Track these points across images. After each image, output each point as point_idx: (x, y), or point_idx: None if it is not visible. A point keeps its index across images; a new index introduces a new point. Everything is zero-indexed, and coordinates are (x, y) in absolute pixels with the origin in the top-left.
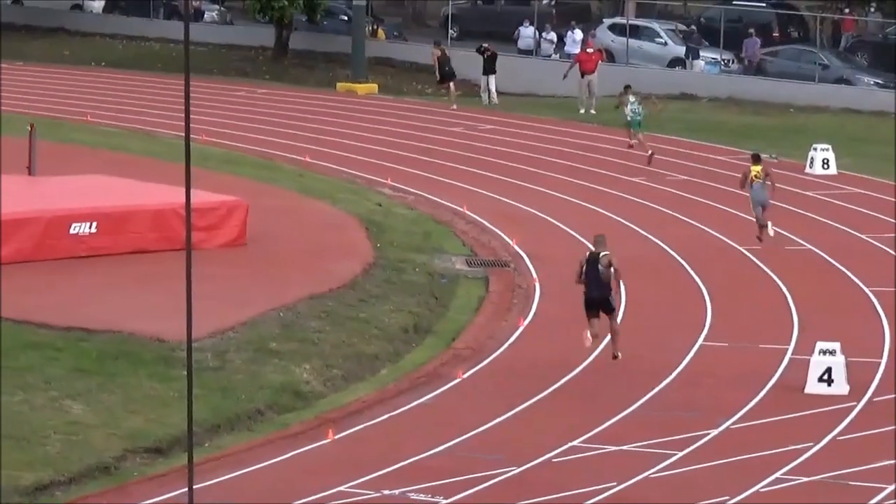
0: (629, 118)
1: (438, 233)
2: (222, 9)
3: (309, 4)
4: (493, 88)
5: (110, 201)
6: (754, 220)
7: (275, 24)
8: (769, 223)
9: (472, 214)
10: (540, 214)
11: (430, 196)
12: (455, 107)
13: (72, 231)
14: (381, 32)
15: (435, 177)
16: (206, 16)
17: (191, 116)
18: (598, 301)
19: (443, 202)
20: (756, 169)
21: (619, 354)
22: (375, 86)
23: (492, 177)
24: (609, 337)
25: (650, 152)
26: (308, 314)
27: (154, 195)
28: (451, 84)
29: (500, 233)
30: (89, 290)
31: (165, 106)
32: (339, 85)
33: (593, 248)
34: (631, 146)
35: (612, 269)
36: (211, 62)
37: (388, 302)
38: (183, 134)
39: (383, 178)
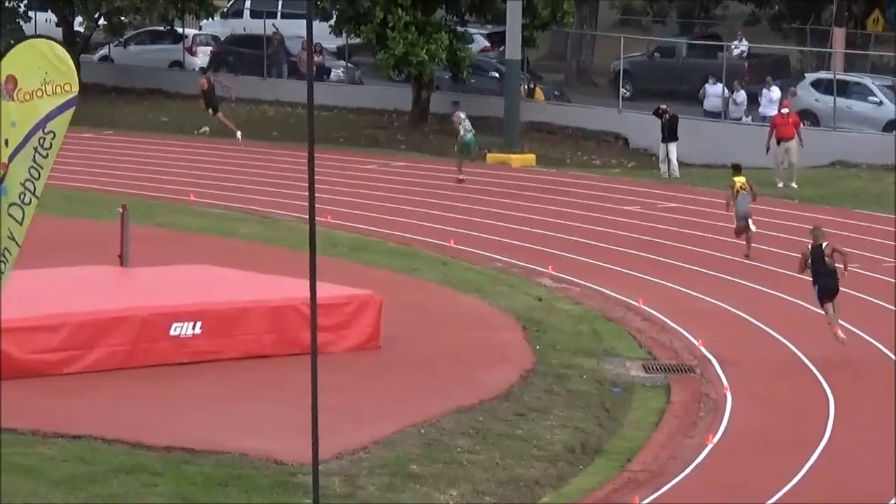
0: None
1: (609, 332)
2: (350, 66)
3: (452, 59)
4: (673, 158)
5: (217, 297)
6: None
7: (412, 83)
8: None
9: (649, 309)
10: (732, 309)
11: (599, 288)
12: (240, 138)
13: (172, 332)
14: (538, 92)
15: (605, 265)
16: (331, 74)
17: (315, 194)
18: (832, 289)
19: (614, 295)
20: (741, 180)
21: (842, 335)
22: (533, 156)
23: (673, 264)
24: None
25: (461, 178)
26: (454, 431)
27: (270, 289)
28: (220, 115)
29: (683, 331)
30: (193, 402)
31: (283, 182)
32: (489, 156)
33: (812, 242)
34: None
35: (836, 256)
36: (337, 129)
37: (550, 416)
38: (306, 216)
39: (543, 267)
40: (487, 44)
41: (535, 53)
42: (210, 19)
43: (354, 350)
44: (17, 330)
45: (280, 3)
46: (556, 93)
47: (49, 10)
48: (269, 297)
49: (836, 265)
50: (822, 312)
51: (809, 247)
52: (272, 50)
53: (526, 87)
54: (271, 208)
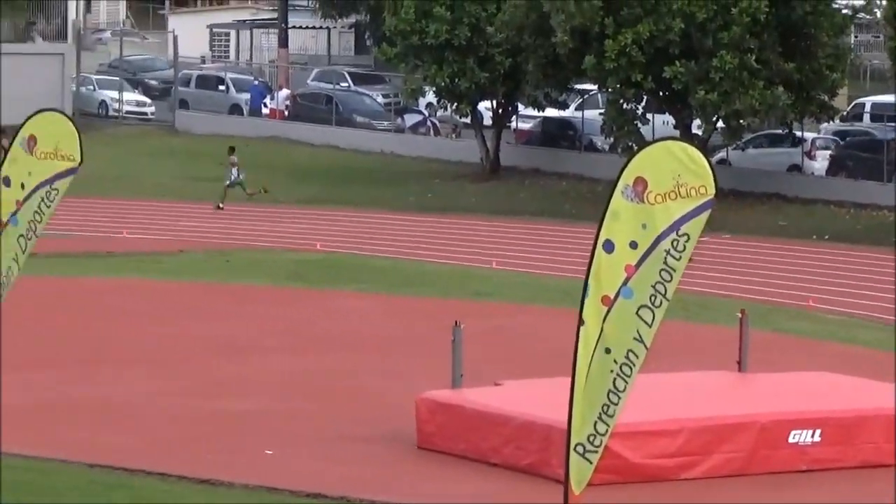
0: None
1: None
2: None
3: None
4: None
5: (837, 404)
6: None
7: None
8: None
9: None
10: None
11: None
12: None
13: (791, 439)
14: None
15: None
16: None
17: None
18: None
19: None
20: None
21: None
22: None
23: None
24: None
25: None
26: None
27: (890, 397)
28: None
29: None
30: None
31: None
32: None
33: None
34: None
35: None
36: None
37: None
38: None
39: None
40: None
41: None
42: (830, 122)
43: None
44: (634, 434)
45: None
46: None
47: (667, 113)
48: (890, 405)
49: None
50: None
51: None
52: None
53: None
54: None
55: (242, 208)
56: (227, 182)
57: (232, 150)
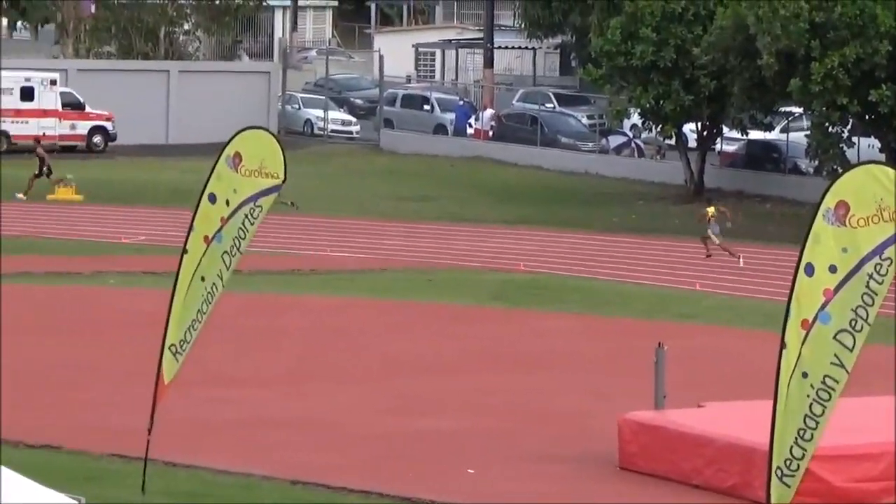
0: None
1: None
2: None
3: None
4: None
5: None
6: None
7: None
8: None
9: None
10: None
11: None
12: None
13: None
14: None
15: None
16: None
17: None
18: None
19: None
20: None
21: None
22: None
23: None
24: None
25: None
26: None
27: None
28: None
29: None
30: None
31: None
32: None
33: None
34: None
35: None
36: None
37: None
38: None
39: None
40: None
41: None
42: None
43: None
44: (837, 457)
45: None
46: None
47: (872, 136)
48: None
49: None
50: None
51: None
52: None
53: None
54: None
55: (447, 227)
56: None
57: None
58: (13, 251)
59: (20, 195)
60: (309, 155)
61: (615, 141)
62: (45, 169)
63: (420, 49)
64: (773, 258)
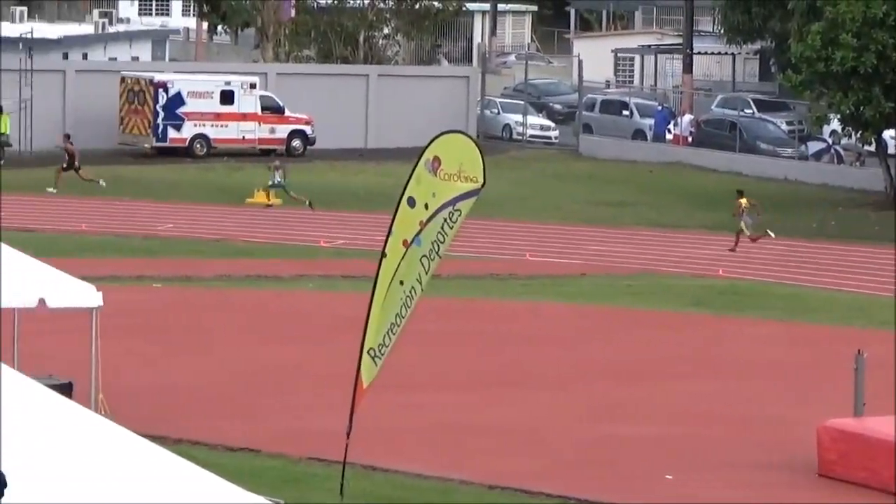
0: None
1: None
2: None
3: None
4: None
5: None
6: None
7: None
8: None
9: None
10: None
11: None
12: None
13: None
14: None
15: None
16: None
17: None
18: None
19: None
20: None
21: None
22: None
23: None
24: None
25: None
26: None
27: None
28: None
29: None
30: None
31: None
32: None
33: None
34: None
35: None
36: None
37: None
38: None
39: None
40: None
41: None
42: None
43: None
44: None
45: None
46: None
47: None
48: None
49: None
50: None
51: None
52: None
53: None
54: None
55: (645, 233)
56: (270, 183)
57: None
58: (210, 254)
59: (50, 189)
60: (507, 160)
61: (814, 147)
62: (75, 164)
63: (619, 54)
64: None
